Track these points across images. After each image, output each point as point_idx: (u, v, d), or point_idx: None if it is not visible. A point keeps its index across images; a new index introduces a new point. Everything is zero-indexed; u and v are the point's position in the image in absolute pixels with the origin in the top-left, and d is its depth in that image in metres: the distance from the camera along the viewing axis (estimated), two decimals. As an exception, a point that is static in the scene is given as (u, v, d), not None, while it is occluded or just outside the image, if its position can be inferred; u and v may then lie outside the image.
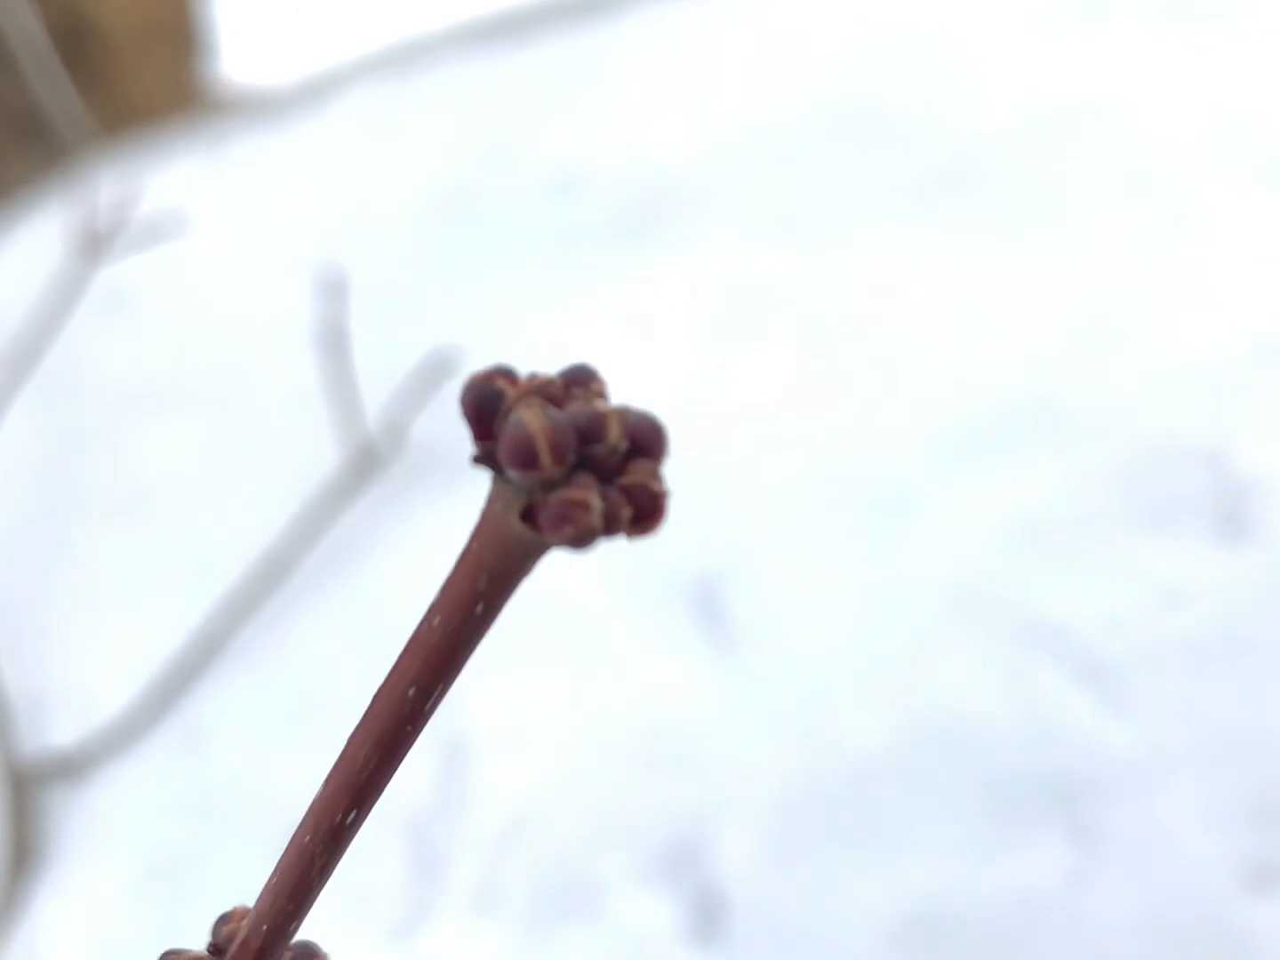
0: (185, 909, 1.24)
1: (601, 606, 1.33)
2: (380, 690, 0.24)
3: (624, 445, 0.21)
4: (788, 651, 1.28)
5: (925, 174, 1.69)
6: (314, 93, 2.16)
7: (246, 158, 2.06)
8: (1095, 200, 1.61)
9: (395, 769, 0.24)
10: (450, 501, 1.46)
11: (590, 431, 0.21)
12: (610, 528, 0.21)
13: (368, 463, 1.48)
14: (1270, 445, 1.33)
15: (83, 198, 1.72)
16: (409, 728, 0.23)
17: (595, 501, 0.20)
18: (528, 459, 0.20)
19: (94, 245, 1.64)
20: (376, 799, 0.24)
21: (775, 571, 1.34)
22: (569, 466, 0.20)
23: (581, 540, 0.20)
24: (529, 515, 0.21)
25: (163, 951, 0.28)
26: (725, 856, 1.16)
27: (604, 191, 1.79)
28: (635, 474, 0.21)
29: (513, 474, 0.20)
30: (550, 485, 0.20)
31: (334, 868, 0.25)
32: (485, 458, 0.21)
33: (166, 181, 1.99)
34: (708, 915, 1.13)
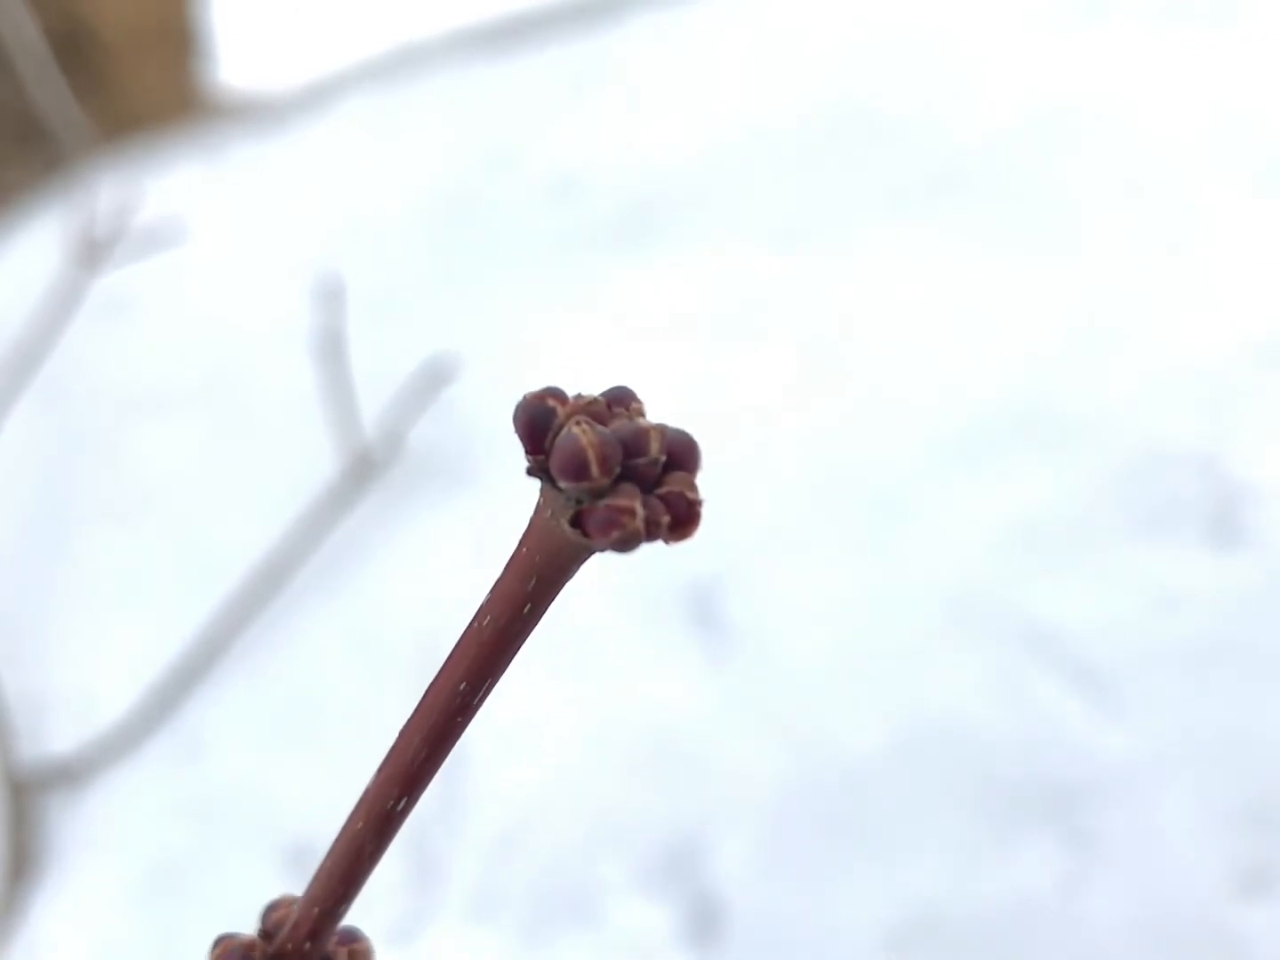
0: (185, 915, 1.26)
1: (599, 611, 1.35)
2: (432, 685, 0.26)
3: (663, 458, 0.23)
4: (784, 656, 1.30)
5: (924, 176, 1.71)
6: (313, 98, 2.17)
7: (246, 163, 2.07)
8: (1093, 203, 1.63)
9: (444, 759, 0.26)
10: (448, 507, 1.48)
11: (633, 446, 0.23)
12: (651, 533, 0.23)
13: (365, 469, 1.50)
14: (1265, 450, 1.34)
15: (81, 204, 1.73)
16: (459, 719, 0.26)
17: (638, 508, 0.23)
18: (579, 470, 0.22)
19: (92, 252, 1.66)
20: (425, 787, 0.26)
21: (771, 575, 1.36)
22: (614, 477, 0.23)
23: (626, 544, 0.23)
24: (578, 521, 0.23)
25: (216, 936, 0.30)
26: (722, 861, 1.18)
27: (603, 195, 1.81)
28: (673, 484, 0.23)
29: (564, 484, 0.23)
30: (598, 494, 0.23)
31: (383, 853, 0.27)
32: (537, 470, 0.23)
33: (166, 187, 2.01)
34: (705, 919, 1.15)
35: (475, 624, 0.25)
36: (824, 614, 1.31)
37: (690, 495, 0.23)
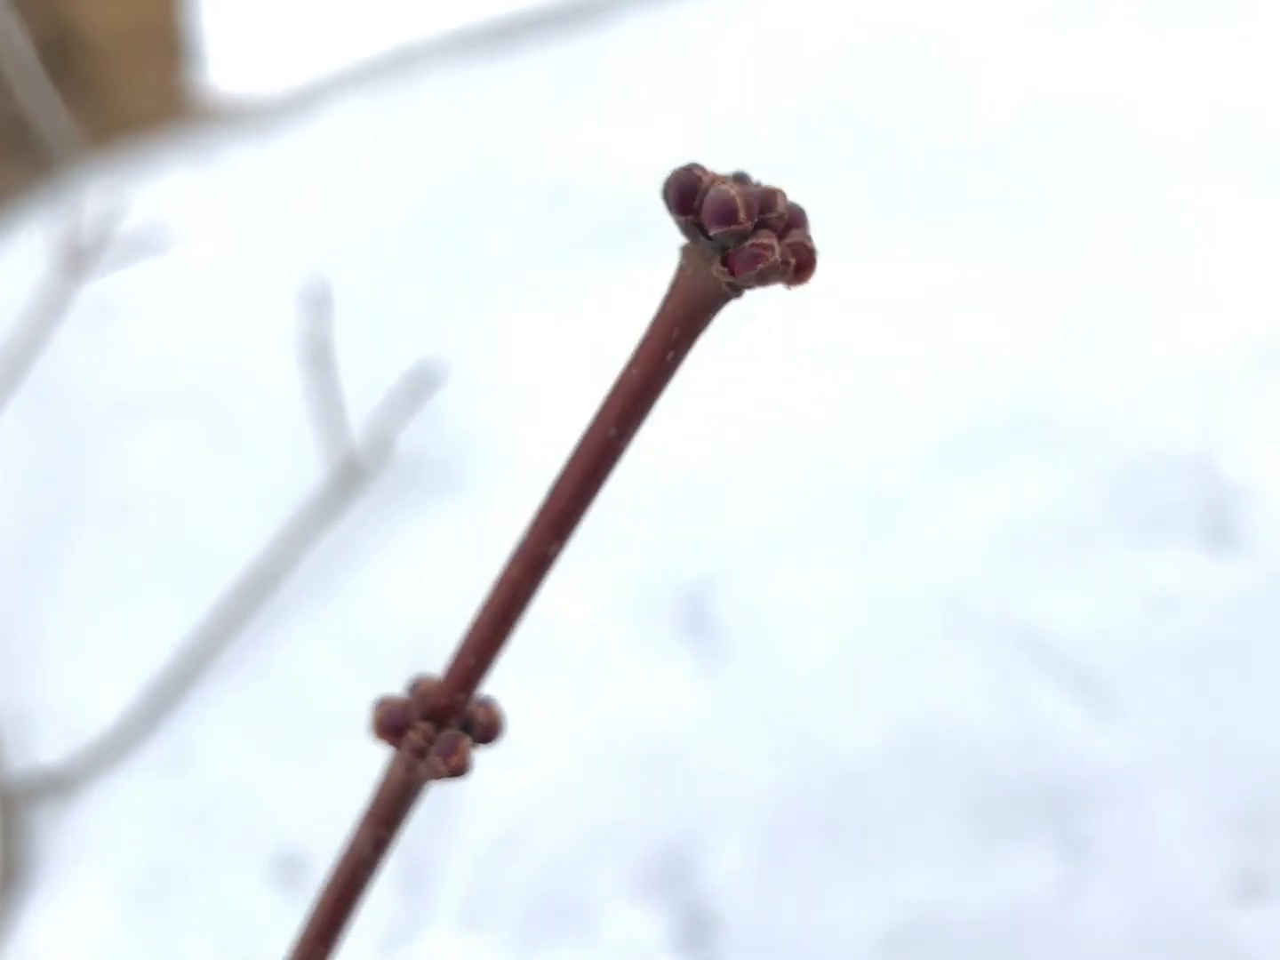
0: (176, 926, 1.26)
1: (591, 618, 1.35)
2: (585, 435, 0.30)
3: (787, 215, 0.29)
4: (779, 660, 1.30)
5: (921, 177, 1.71)
6: (303, 102, 2.17)
7: (235, 168, 2.08)
8: (1088, 205, 1.64)
9: (593, 501, 0.30)
10: (437, 513, 1.48)
11: (765, 202, 0.28)
12: (783, 271, 0.28)
13: (354, 475, 1.50)
14: (1258, 453, 1.35)
15: (67, 211, 1.73)
16: (608, 463, 0.30)
17: (777, 245, 0.28)
18: (729, 215, 0.27)
19: (79, 259, 1.66)
20: (575, 531, 0.30)
21: (766, 578, 1.36)
22: (754, 224, 0.28)
23: (766, 277, 0.28)
24: (725, 262, 0.28)
25: (375, 701, 0.33)
26: (717, 867, 1.18)
27: (597, 198, 1.81)
28: (795, 237, 0.28)
29: (714, 231, 0.27)
30: (742, 237, 0.27)
31: (534, 598, 0.31)
32: (688, 226, 0.28)
33: (154, 193, 2.01)
34: (698, 927, 1.15)
35: (624, 374, 0.30)
36: (819, 617, 1.31)
37: (809, 244, 0.28)
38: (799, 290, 0.29)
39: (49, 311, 1.67)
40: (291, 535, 1.47)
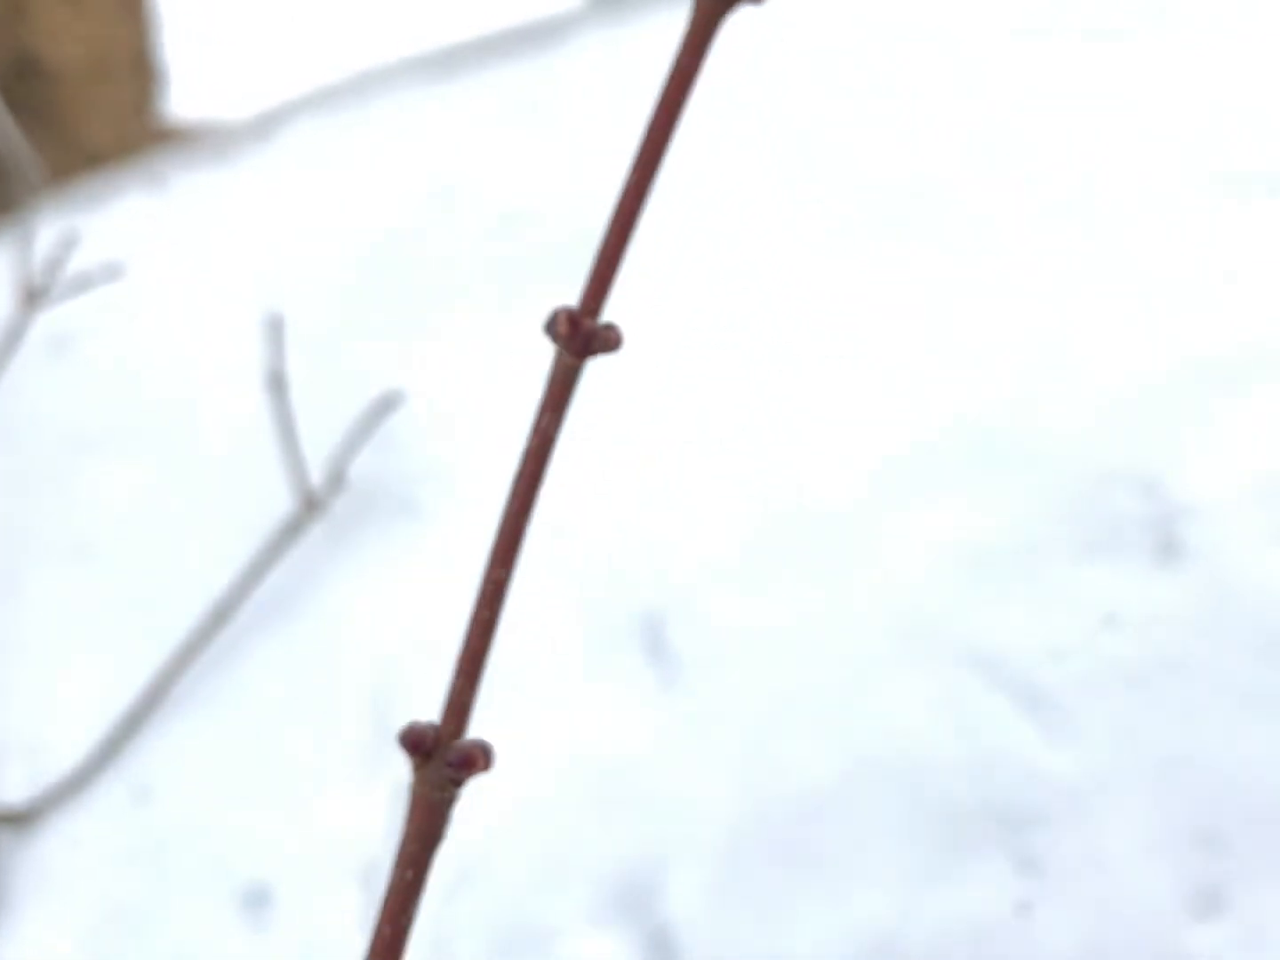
0: (138, 960, 1.25)
1: (545, 643, 1.35)
2: (648, 129, 0.43)
3: None
4: (734, 685, 1.31)
5: (877, 201, 1.71)
6: (265, 127, 2.17)
7: (193, 194, 2.07)
8: (1036, 225, 1.64)
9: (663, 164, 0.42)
10: (393, 541, 1.48)
11: None
12: None
13: (310, 505, 1.49)
14: (1205, 470, 1.36)
15: (24, 243, 1.72)
16: (670, 134, 0.43)
17: None
18: None
19: (33, 291, 1.65)
20: (652, 189, 0.42)
21: (720, 605, 1.36)
22: None
23: None
24: None
25: (554, 313, 0.44)
26: (676, 893, 1.18)
27: (555, 225, 1.81)
28: None
29: None
30: None
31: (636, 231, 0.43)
32: None
33: (113, 220, 2.00)
34: (661, 952, 1.15)
35: (672, 75, 0.43)
36: (775, 640, 1.32)
37: None
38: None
39: (5, 342, 1.66)
40: (251, 568, 1.46)
